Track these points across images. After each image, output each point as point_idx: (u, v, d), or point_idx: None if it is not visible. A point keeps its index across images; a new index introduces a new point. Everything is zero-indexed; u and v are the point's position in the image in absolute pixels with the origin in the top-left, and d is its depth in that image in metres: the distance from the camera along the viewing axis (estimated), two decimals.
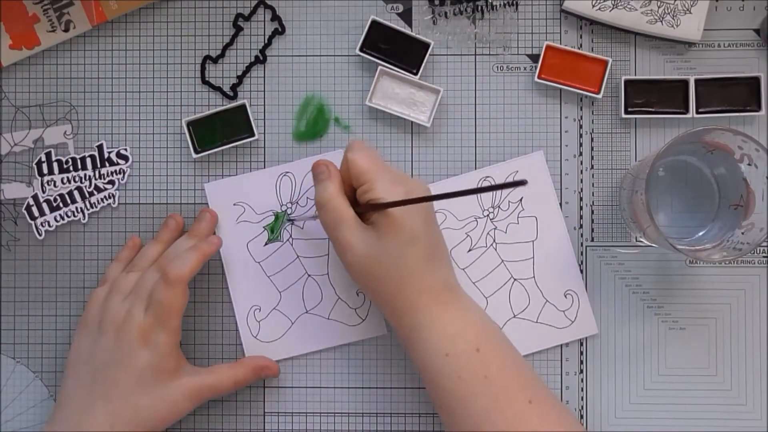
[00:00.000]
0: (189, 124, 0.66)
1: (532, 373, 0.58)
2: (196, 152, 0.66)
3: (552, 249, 0.66)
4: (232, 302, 0.67)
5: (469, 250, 0.67)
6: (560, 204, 0.68)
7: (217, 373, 0.62)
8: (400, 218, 0.55)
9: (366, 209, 0.57)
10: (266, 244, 0.67)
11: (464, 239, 0.67)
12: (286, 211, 0.67)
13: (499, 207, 0.66)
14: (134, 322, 0.59)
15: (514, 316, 0.66)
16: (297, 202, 0.66)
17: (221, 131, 0.67)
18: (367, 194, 0.57)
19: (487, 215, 0.66)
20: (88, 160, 0.67)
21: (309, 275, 0.67)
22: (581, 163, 0.68)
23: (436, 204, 0.65)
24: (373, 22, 0.66)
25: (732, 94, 0.66)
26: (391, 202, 0.55)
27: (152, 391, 0.59)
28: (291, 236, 0.67)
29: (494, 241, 0.67)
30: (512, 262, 0.66)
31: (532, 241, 0.66)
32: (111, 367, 0.59)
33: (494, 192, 0.66)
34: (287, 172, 0.67)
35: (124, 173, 0.68)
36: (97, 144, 0.68)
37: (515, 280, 0.66)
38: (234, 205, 0.67)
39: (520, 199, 0.66)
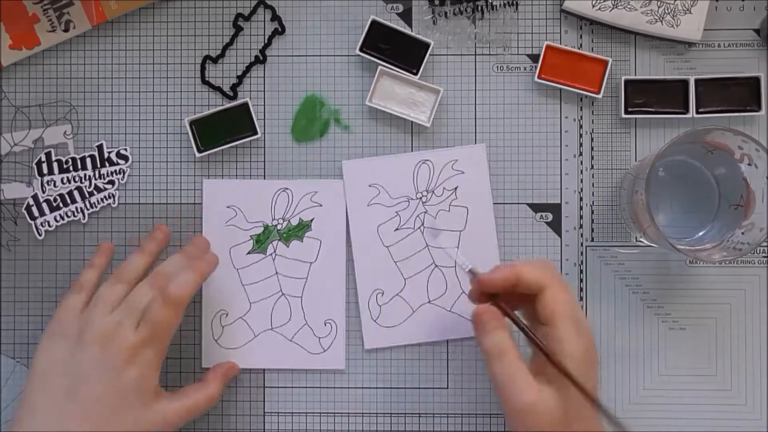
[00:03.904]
0: (192, 123, 0.66)
1: None
2: (200, 151, 0.66)
3: (478, 242, 0.66)
4: (202, 301, 0.67)
5: (396, 229, 0.67)
6: (560, 203, 0.68)
7: (193, 395, 0.60)
8: (582, 374, 0.52)
9: (550, 364, 0.54)
10: (249, 252, 0.67)
11: (393, 217, 0.67)
12: (276, 226, 0.67)
13: (433, 192, 0.66)
14: (125, 337, 0.57)
15: (429, 302, 0.66)
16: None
17: (224, 130, 0.66)
18: (550, 342, 0.54)
19: (420, 198, 0.66)
20: (88, 160, 0.67)
21: (283, 294, 0.67)
22: (581, 163, 0.68)
23: (370, 177, 0.66)
24: (373, 22, 0.66)
25: (732, 94, 0.66)
26: (576, 380, 0.52)
27: (135, 413, 0.56)
28: (275, 252, 0.67)
29: (423, 224, 0.67)
30: (436, 248, 0.66)
31: (460, 231, 0.66)
32: (93, 383, 0.56)
33: (431, 175, 0.66)
34: (287, 188, 0.67)
35: (124, 173, 0.68)
36: (97, 144, 0.68)
37: (436, 266, 0.66)
38: (227, 207, 0.67)
39: (455, 188, 0.66)
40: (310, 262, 0.67)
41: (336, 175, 0.68)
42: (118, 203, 0.68)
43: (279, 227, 0.67)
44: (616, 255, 0.67)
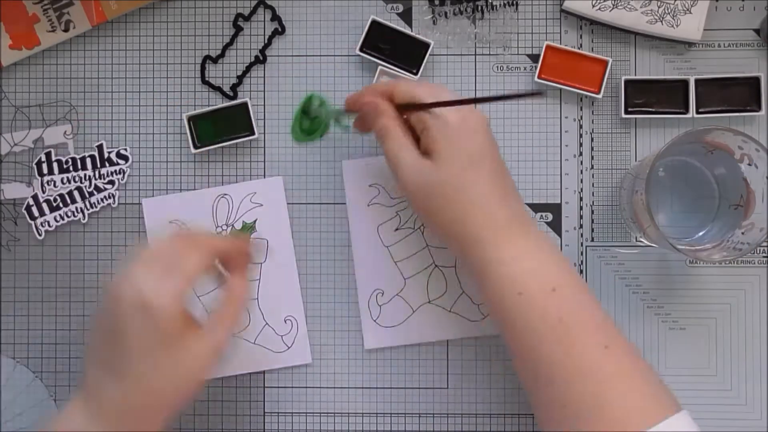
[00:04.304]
0: (190, 119, 0.66)
1: (607, 317, 0.54)
2: (195, 147, 0.66)
3: None
4: None
5: (396, 229, 0.67)
6: (560, 203, 0.67)
7: (220, 325, 0.53)
8: (456, 139, 0.53)
9: (409, 108, 0.56)
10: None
11: (393, 217, 0.67)
12: (221, 232, 0.65)
13: None
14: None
15: (429, 302, 0.66)
16: (233, 224, 0.66)
17: (222, 128, 0.66)
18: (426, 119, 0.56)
19: None
20: (88, 160, 0.67)
21: None
22: (581, 163, 0.67)
23: (370, 177, 0.65)
24: (373, 22, 0.66)
25: (732, 94, 0.66)
26: (434, 103, 0.54)
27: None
28: None
29: (422, 224, 0.67)
30: (437, 248, 0.66)
31: None
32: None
33: None
34: (225, 195, 0.67)
35: (123, 173, 0.68)
36: (97, 144, 0.68)
37: (436, 266, 0.66)
38: (170, 222, 0.67)
39: None
40: (261, 263, 0.67)
41: (336, 175, 0.68)
42: (118, 203, 0.68)
43: (224, 233, 0.67)
44: (616, 255, 0.67)
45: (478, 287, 0.55)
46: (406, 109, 0.56)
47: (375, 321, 0.67)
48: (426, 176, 0.54)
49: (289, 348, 0.66)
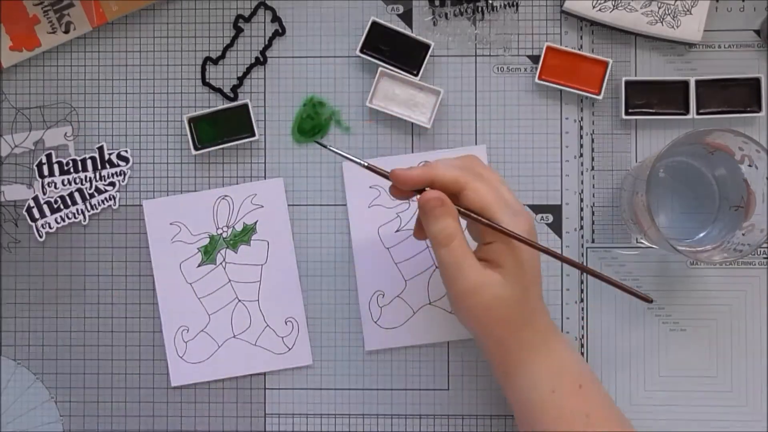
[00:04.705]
0: (190, 120, 0.66)
1: (621, 412, 0.57)
2: (196, 149, 0.66)
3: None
4: (161, 319, 0.67)
5: (397, 231, 0.66)
6: (561, 204, 0.67)
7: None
8: (527, 259, 0.53)
9: (470, 218, 0.54)
10: (199, 265, 0.66)
11: (394, 219, 0.66)
12: (221, 234, 0.66)
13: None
14: None
15: (430, 303, 0.66)
16: (233, 226, 0.66)
17: (222, 129, 0.66)
18: (492, 232, 0.54)
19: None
20: (89, 162, 0.67)
21: (239, 300, 0.67)
22: (582, 164, 0.67)
23: (371, 179, 0.63)
24: (374, 24, 0.66)
25: (732, 95, 0.65)
26: (521, 237, 0.53)
27: None
28: (225, 260, 0.66)
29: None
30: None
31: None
32: None
33: None
34: (226, 196, 0.67)
35: (124, 175, 0.67)
36: (98, 146, 0.67)
37: (437, 268, 0.65)
38: (170, 224, 0.67)
39: None
40: (261, 264, 0.67)
41: (336, 176, 0.68)
42: (119, 205, 0.67)
43: (225, 235, 0.67)
44: (617, 256, 0.67)
45: (510, 388, 0.56)
46: (466, 216, 0.54)
47: (376, 323, 0.66)
48: (492, 290, 0.53)
49: (290, 350, 0.66)
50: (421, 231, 0.58)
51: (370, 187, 0.66)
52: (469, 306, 0.53)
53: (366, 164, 0.54)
